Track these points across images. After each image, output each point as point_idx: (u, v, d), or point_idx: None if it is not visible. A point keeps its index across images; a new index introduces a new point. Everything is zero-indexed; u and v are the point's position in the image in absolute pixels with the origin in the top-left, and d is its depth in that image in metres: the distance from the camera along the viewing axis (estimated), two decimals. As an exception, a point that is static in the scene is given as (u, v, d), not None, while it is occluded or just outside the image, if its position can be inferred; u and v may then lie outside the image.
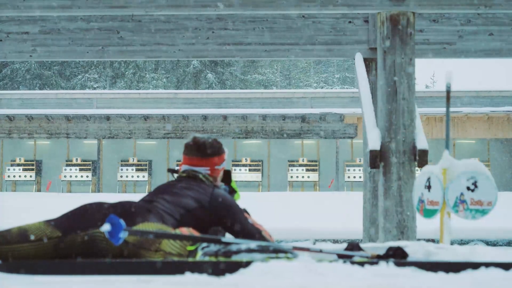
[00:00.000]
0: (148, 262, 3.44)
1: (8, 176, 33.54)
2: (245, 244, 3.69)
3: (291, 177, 33.22)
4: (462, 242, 15.75)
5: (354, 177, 32.57)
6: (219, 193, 4.40)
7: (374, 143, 8.55)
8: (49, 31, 10.81)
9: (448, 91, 5.33)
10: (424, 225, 8.75)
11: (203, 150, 4.58)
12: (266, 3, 8.73)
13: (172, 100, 33.54)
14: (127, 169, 33.52)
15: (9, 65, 49.86)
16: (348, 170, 32.95)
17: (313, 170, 33.24)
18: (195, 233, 3.98)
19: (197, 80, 50.75)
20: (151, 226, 3.92)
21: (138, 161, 33.76)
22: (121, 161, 33.77)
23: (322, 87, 60.24)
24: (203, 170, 4.56)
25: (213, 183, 4.53)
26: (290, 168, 33.28)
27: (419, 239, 8.36)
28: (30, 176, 33.53)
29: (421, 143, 8.50)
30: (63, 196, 27.50)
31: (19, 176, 33.54)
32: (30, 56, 10.91)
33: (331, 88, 58.53)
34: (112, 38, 10.82)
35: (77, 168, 33.55)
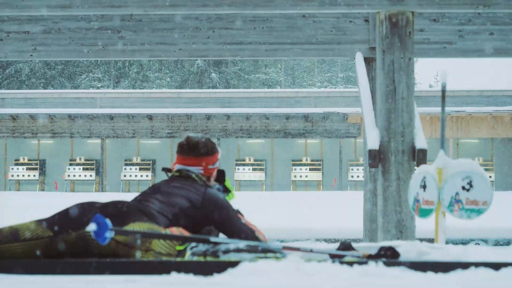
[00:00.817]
0: (135, 261, 3.44)
1: (12, 176, 33.58)
2: (233, 244, 3.69)
3: (295, 176, 33.21)
4: (463, 242, 15.73)
5: (358, 176, 32.51)
6: (212, 193, 4.40)
7: (373, 142, 8.54)
8: (49, 30, 10.81)
9: (443, 91, 5.33)
10: (424, 225, 8.74)
11: (197, 150, 4.58)
12: (265, 3, 8.72)
13: (175, 99, 33.57)
14: (130, 169, 33.55)
15: (13, 65, 49.93)
16: (352, 169, 32.92)
17: (317, 169, 33.22)
18: (185, 233, 3.98)
19: (201, 79, 50.77)
20: (142, 226, 3.92)
21: (142, 160, 33.78)
22: (125, 160, 33.79)
23: (326, 87, 60.24)
24: (196, 169, 4.56)
25: (206, 183, 4.53)
26: (294, 167, 33.26)
27: (418, 239, 8.35)
28: (34, 176, 33.57)
29: (420, 142, 8.48)
30: (67, 195, 27.53)
31: (23, 175, 33.58)
32: (31, 55, 10.91)
33: (335, 88, 58.52)
34: (112, 37, 10.82)
35: (81, 167, 33.59)
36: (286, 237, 15.66)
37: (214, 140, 27.97)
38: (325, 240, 14.63)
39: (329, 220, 17.66)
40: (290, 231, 16.36)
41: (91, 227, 3.55)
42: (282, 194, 26.98)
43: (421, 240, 7.16)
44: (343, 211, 18.48)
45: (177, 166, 4.59)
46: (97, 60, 50.64)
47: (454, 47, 10.70)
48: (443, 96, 5.34)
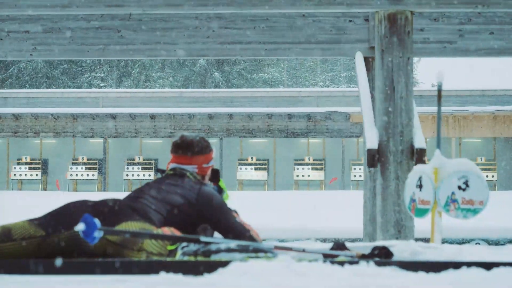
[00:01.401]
0: (124, 261, 3.43)
1: (14, 175, 33.61)
2: (224, 243, 3.68)
3: (297, 176, 33.19)
4: (464, 241, 15.71)
5: (360, 176, 32.44)
6: (207, 190, 4.40)
7: (372, 142, 8.53)
8: (49, 30, 10.81)
9: (439, 90, 5.32)
10: (423, 224, 8.72)
11: (191, 149, 4.59)
12: (264, 2, 8.71)
13: (178, 99, 33.59)
14: (133, 168, 33.56)
15: (16, 64, 49.96)
16: (354, 169, 32.90)
17: (319, 169, 33.20)
18: (177, 233, 3.97)
19: (203, 79, 50.77)
20: (134, 225, 3.91)
21: (144, 160, 33.79)
22: (127, 159, 33.80)
23: (328, 86, 60.21)
24: (191, 168, 4.56)
25: (200, 181, 4.53)
26: (296, 167, 33.24)
27: (417, 239, 8.33)
28: (36, 175, 33.59)
29: (419, 142, 8.48)
30: (69, 194, 27.52)
31: (25, 174, 33.60)
32: (31, 55, 10.92)
33: (338, 87, 58.50)
34: (112, 37, 10.81)
35: (83, 167, 33.60)
36: (286, 237, 15.66)
37: (217, 140, 27.73)
38: (325, 240, 14.63)
39: (330, 219, 17.64)
40: (291, 230, 16.35)
41: (80, 226, 3.55)
42: (283, 193, 26.97)
43: (420, 240, 7.14)
44: (344, 211, 18.45)
45: (172, 165, 4.60)
46: (100, 60, 50.66)
47: (454, 46, 10.68)
48: (439, 96, 5.33)
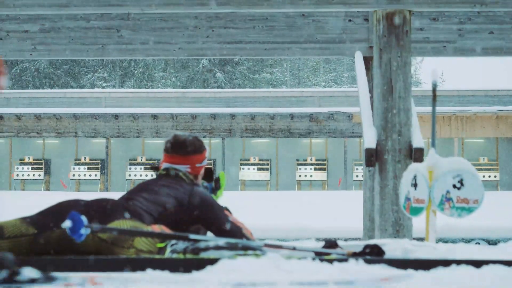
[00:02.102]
0: (109, 258, 3.43)
1: (17, 175, 33.65)
2: (213, 241, 3.69)
3: (299, 176, 33.19)
4: (463, 241, 15.69)
5: (363, 176, 32.35)
6: (198, 192, 4.40)
7: (370, 141, 8.53)
8: (49, 29, 10.83)
9: (434, 89, 5.31)
10: (421, 224, 8.71)
11: (184, 148, 4.58)
12: (262, 1, 8.71)
13: (180, 99, 33.61)
14: (135, 168, 33.59)
15: (18, 64, 50.01)
16: (357, 169, 32.90)
17: (322, 169, 33.20)
18: (167, 231, 3.98)
19: (206, 79, 50.77)
20: (126, 223, 3.91)
21: (147, 160, 33.81)
22: (130, 160, 33.83)
23: (331, 86, 60.20)
24: (184, 168, 4.56)
25: (193, 181, 4.53)
26: (298, 167, 33.24)
27: (415, 238, 8.33)
28: (39, 175, 33.63)
29: (417, 141, 8.47)
30: (71, 195, 27.54)
31: (28, 175, 33.65)
32: (30, 54, 10.93)
33: (340, 87, 58.48)
34: (112, 36, 10.82)
35: (86, 167, 33.63)
36: (288, 237, 15.67)
37: (219, 140, 27.72)
38: (325, 240, 14.62)
39: (331, 219, 17.65)
40: (293, 230, 16.35)
41: (66, 224, 3.55)
42: (285, 193, 26.97)
43: (418, 239, 7.13)
44: (346, 211, 18.46)
45: (164, 165, 4.59)
46: (103, 60, 50.71)
47: (453, 46, 10.67)
48: (434, 95, 5.32)
